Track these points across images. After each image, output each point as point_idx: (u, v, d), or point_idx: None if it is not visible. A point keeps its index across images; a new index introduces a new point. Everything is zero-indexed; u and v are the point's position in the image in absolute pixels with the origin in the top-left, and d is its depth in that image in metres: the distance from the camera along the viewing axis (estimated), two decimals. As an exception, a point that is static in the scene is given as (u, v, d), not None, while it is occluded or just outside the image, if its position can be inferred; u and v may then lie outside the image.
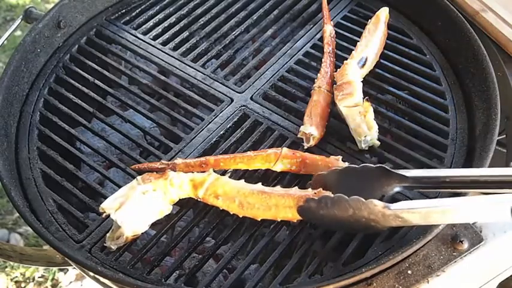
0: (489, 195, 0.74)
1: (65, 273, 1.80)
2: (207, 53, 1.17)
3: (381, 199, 0.78)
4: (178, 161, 0.91)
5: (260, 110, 1.05)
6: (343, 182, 0.84)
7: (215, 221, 0.89)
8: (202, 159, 0.92)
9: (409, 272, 0.82)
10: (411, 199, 0.89)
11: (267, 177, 0.93)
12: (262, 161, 0.92)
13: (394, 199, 0.89)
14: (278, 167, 0.92)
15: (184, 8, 1.26)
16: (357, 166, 0.85)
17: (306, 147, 0.97)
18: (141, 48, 1.18)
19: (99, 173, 0.99)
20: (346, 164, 0.89)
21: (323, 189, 0.83)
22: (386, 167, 0.82)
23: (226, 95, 1.08)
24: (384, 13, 1.14)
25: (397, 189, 0.82)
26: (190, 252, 0.87)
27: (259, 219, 0.85)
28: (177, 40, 1.20)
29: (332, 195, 0.79)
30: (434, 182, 0.80)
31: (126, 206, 0.83)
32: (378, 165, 0.83)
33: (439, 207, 0.73)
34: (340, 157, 0.90)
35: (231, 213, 0.86)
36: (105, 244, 0.86)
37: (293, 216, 0.83)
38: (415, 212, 0.74)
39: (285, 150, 0.91)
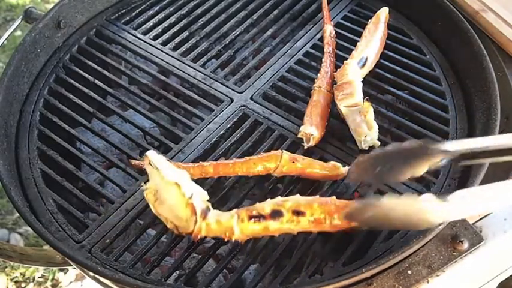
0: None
1: (65, 273, 1.80)
2: (207, 53, 1.17)
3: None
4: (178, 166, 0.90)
5: (260, 110, 1.05)
6: (383, 165, 0.76)
7: (215, 221, 0.89)
8: (201, 167, 0.91)
9: (409, 272, 0.82)
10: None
11: (266, 178, 0.93)
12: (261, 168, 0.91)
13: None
14: (277, 173, 0.92)
15: (184, 8, 1.26)
16: (394, 149, 0.75)
17: (306, 147, 0.97)
18: (141, 48, 1.18)
19: (99, 173, 0.99)
20: (346, 169, 0.89)
21: (365, 175, 0.79)
22: (426, 144, 0.73)
23: (226, 95, 1.08)
24: (383, 13, 1.14)
25: (442, 163, 0.73)
26: (190, 252, 0.87)
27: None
28: (177, 40, 1.20)
29: (376, 202, 0.72)
30: (476, 152, 0.72)
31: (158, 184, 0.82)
32: (418, 143, 0.74)
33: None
34: (339, 165, 0.90)
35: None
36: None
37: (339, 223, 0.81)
38: (476, 200, 0.69)
39: (284, 157, 0.91)
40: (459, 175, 0.93)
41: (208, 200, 0.83)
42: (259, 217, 0.80)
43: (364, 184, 0.92)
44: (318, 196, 0.84)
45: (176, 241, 0.87)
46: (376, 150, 0.80)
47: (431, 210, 0.68)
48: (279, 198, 0.82)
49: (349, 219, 0.79)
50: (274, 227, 0.80)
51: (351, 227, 0.81)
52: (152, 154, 0.84)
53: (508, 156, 0.72)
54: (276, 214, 0.80)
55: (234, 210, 0.82)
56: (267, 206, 0.81)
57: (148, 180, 0.85)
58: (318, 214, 0.80)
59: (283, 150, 0.92)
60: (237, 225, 0.80)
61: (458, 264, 0.83)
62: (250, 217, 0.80)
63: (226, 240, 0.82)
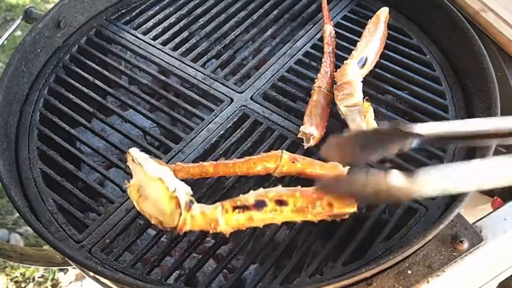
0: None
1: (65, 273, 1.80)
2: (207, 53, 1.17)
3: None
4: (178, 166, 0.90)
5: (260, 110, 1.05)
6: (356, 145, 0.80)
7: (215, 221, 0.89)
8: (201, 167, 0.91)
9: (409, 272, 0.82)
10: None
11: (266, 178, 0.93)
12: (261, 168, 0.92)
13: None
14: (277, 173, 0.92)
15: (184, 8, 1.26)
16: (368, 131, 0.81)
17: (306, 147, 0.97)
18: (141, 48, 1.18)
19: (99, 173, 0.99)
20: (346, 169, 0.89)
21: (337, 154, 0.81)
22: (399, 127, 0.75)
23: (226, 95, 1.08)
24: (383, 13, 1.14)
25: (413, 145, 0.76)
26: (190, 252, 0.87)
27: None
28: (177, 40, 1.20)
29: (348, 177, 0.78)
30: (450, 136, 0.75)
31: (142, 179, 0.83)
32: (392, 126, 0.77)
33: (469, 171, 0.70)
34: (339, 165, 0.90)
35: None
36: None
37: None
38: (444, 180, 0.71)
39: (284, 157, 0.90)
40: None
41: (192, 196, 0.84)
42: (243, 207, 0.81)
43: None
44: (299, 186, 0.85)
45: (176, 241, 0.87)
46: (348, 132, 0.83)
47: (399, 188, 0.71)
48: (261, 190, 0.83)
49: (322, 191, 0.82)
50: (258, 217, 0.81)
51: (333, 214, 0.83)
52: (135, 151, 0.86)
53: (479, 140, 0.74)
54: (259, 204, 0.81)
55: (218, 202, 0.83)
56: (250, 196, 0.82)
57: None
58: (300, 203, 0.82)
59: (283, 150, 0.92)
60: (221, 216, 0.81)
61: (458, 264, 0.82)
62: (235, 207, 0.81)
63: (211, 232, 0.82)
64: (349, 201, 0.83)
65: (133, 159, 0.85)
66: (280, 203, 0.82)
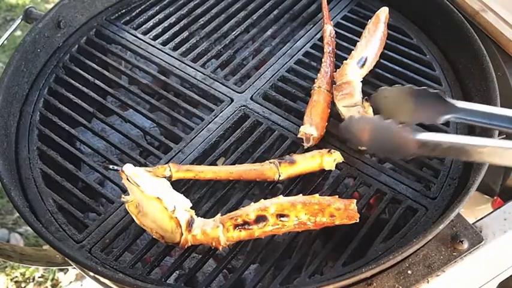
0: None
1: (65, 273, 1.80)
2: (207, 53, 1.17)
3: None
4: (177, 173, 0.89)
5: (260, 110, 1.05)
6: (393, 103, 0.85)
7: (215, 221, 0.89)
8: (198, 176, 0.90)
9: (409, 272, 0.82)
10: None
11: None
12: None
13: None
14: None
15: (184, 8, 1.26)
16: (412, 89, 0.84)
17: (305, 147, 0.97)
18: (141, 48, 1.18)
19: (99, 173, 0.99)
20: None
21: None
22: (440, 94, 0.81)
23: (226, 95, 1.08)
24: (383, 13, 1.14)
25: (446, 117, 0.81)
26: (190, 252, 0.87)
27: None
28: (177, 40, 1.20)
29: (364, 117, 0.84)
30: (484, 116, 0.78)
31: (139, 198, 0.82)
32: (434, 91, 0.82)
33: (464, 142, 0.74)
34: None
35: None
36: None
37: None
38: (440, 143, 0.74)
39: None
40: (459, 175, 0.93)
41: (191, 208, 0.84)
42: (244, 224, 0.81)
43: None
44: (301, 195, 0.86)
45: (176, 241, 0.88)
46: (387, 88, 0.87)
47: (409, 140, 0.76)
48: (262, 202, 0.84)
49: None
50: (260, 231, 0.82)
51: (334, 223, 0.83)
52: (128, 169, 0.81)
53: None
54: (260, 220, 0.82)
55: (218, 218, 0.83)
56: (251, 212, 0.82)
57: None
58: (302, 216, 0.82)
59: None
60: (222, 234, 0.81)
61: (458, 264, 0.83)
62: (236, 226, 0.81)
63: (213, 247, 0.83)
64: (351, 213, 0.83)
65: (128, 179, 0.81)
66: (282, 216, 0.82)
